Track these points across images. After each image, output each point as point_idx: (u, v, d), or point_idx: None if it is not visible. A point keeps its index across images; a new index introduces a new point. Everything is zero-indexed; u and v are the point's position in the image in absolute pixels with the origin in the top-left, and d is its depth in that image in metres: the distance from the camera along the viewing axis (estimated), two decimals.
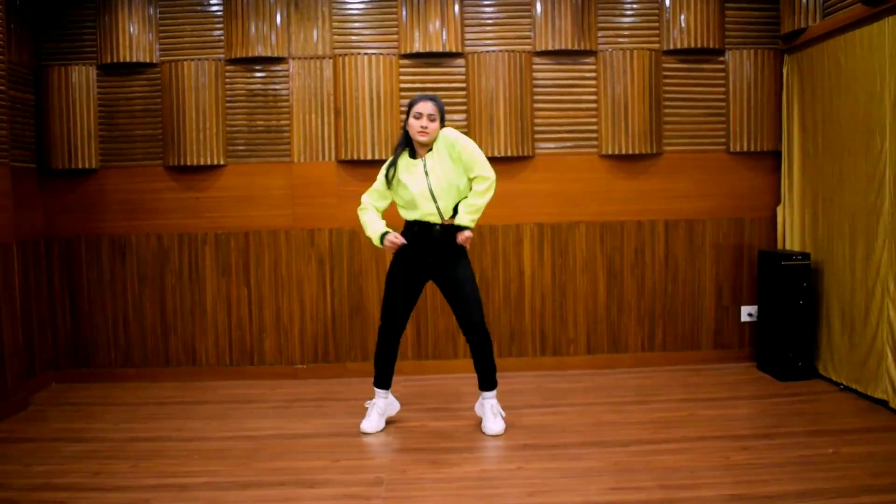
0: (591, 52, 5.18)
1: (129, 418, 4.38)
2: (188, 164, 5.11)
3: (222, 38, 5.11)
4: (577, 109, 5.21)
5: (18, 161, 4.84)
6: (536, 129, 5.20)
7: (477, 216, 3.90)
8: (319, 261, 5.20)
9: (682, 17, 5.12)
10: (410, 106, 3.85)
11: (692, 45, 5.13)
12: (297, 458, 3.68)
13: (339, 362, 5.24)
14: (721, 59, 5.23)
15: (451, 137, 3.83)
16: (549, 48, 5.13)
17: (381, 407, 4.11)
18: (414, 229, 3.92)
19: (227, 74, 5.13)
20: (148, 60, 5.09)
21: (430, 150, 3.87)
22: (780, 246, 5.26)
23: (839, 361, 4.64)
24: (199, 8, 5.11)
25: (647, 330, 5.32)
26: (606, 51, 5.16)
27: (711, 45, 5.15)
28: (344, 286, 5.21)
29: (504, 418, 4.02)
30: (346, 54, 5.10)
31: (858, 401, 4.37)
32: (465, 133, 5.09)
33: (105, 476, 3.46)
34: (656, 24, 5.18)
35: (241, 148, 5.17)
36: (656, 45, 5.18)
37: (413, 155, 3.91)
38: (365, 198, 4.04)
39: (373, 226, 3.98)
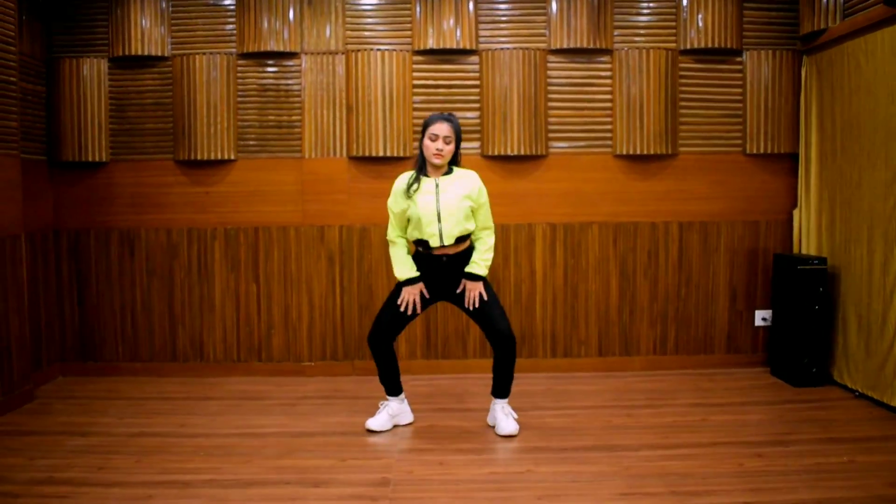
0: (607, 51, 5.12)
1: (135, 413, 4.35)
2: (198, 158, 5.08)
3: (234, 32, 5.08)
4: (591, 108, 5.15)
5: (28, 153, 4.82)
6: (550, 127, 5.14)
7: (488, 266, 3.89)
8: (329, 258, 5.16)
9: (700, 16, 5.06)
10: (426, 126, 3.79)
11: (709, 45, 5.07)
12: (303, 456, 3.64)
13: (348, 360, 5.20)
14: (738, 59, 5.16)
15: (478, 181, 3.84)
16: (564, 46, 5.07)
17: (394, 409, 4.06)
18: (419, 250, 3.90)
19: (239, 69, 5.10)
20: (159, 54, 5.07)
21: (447, 173, 3.83)
22: (795, 250, 5.19)
23: (854, 368, 4.57)
24: (212, 2, 5.08)
25: (660, 333, 5.26)
26: (622, 50, 5.10)
27: (729, 46, 5.08)
28: (353, 284, 5.17)
29: (516, 419, 3.97)
30: (358, 50, 5.06)
31: (874, 408, 4.29)
32: (478, 131, 5.08)
33: (108, 471, 3.43)
34: (673, 24, 5.12)
35: (251, 143, 5.14)
36: (673, 45, 5.12)
37: (425, 173, 3.86)
38: (390, 233, 3.95)
39: (400, 263, 3.91)
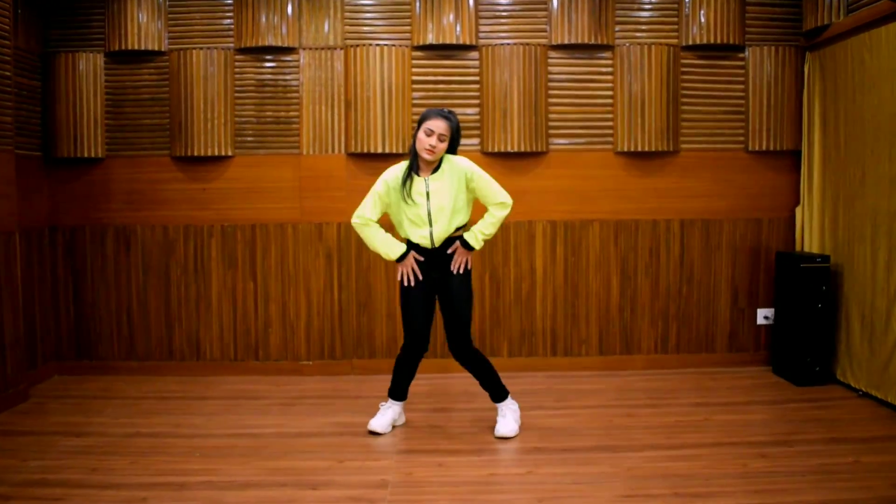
0: (608, 47, 5.07)
1: (130, 413, 4.30)
2: (195, 154, 5.03)
3: (232, 26, 5.03)
4: (592, 105, 5.10)
5: (23, 148, 4.77)
6: (551, 124, 5.09)
7: (485, 241, 3.79)
8: (327, 255, 5.12)
9: (702, 12, 5.01)
10: (423, 119, 3.66)
11: (711, 41, 5.02)
12: (300, 457, 3.60)
13: (346, 359, 5.15)
14: (741, 55, 5.11)
15: (465, 167, 3.70)
16: (565, 42, 5.02)
17: (396, 412, 4.01)
18: (411, 243, 3.80)
19: (237, 64, 5.05)
20: (156, 48, 5.01)
21: (435, 171, 3.71)
22: (798, 248, 5.15)
23: (858, 367, 4.53)
24: None
25: (661, 331, 5.21)
26: (623, 45, 5.05)
27: (731, 42, 5.03)
28: (352, 281, 5.12)
29: (517, 420, 3.91)
30: (357, 45, 5.01)
31: (878, 408, 4.25)
32: (478, 127, 5.03)
33: (102, 473, 3.38)
34: (675, 19, 5.07)
35: (249, 139, 5.09)
36: (675, 41, 5.07)
37: (416, 169, 3.73)
38: (364, 212, 3.75)
39: (386, 243, 3.77)
